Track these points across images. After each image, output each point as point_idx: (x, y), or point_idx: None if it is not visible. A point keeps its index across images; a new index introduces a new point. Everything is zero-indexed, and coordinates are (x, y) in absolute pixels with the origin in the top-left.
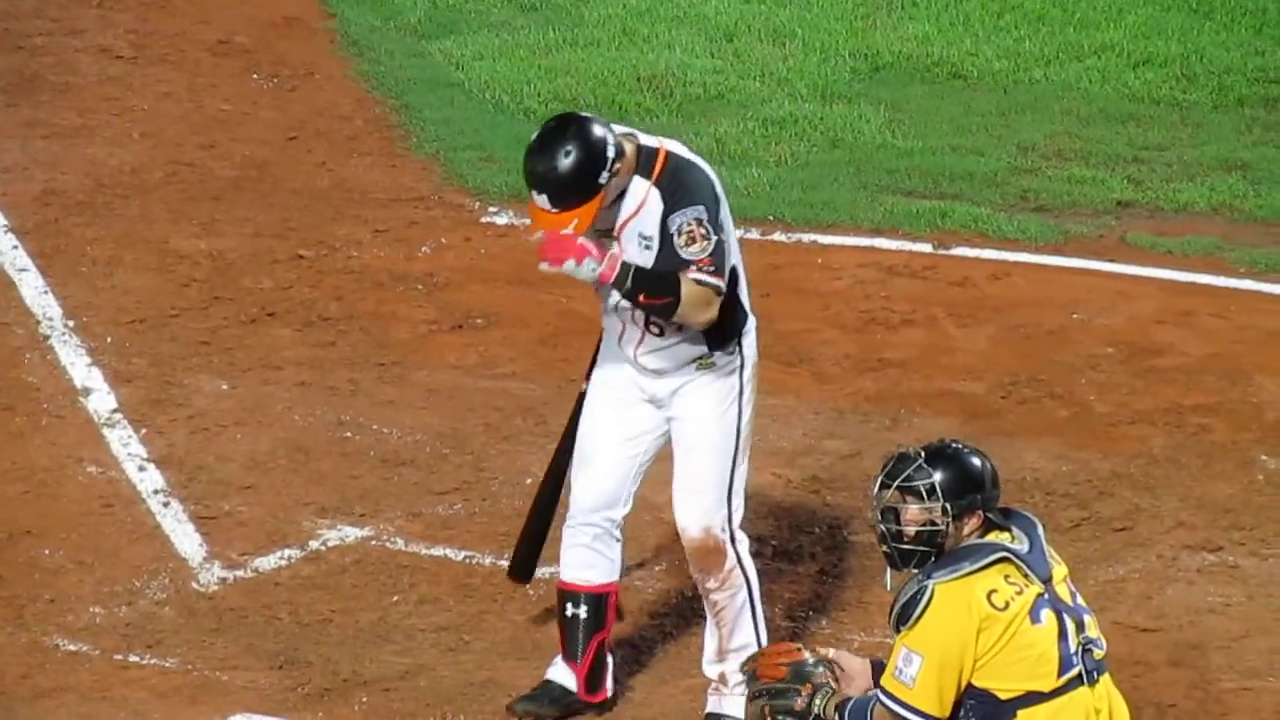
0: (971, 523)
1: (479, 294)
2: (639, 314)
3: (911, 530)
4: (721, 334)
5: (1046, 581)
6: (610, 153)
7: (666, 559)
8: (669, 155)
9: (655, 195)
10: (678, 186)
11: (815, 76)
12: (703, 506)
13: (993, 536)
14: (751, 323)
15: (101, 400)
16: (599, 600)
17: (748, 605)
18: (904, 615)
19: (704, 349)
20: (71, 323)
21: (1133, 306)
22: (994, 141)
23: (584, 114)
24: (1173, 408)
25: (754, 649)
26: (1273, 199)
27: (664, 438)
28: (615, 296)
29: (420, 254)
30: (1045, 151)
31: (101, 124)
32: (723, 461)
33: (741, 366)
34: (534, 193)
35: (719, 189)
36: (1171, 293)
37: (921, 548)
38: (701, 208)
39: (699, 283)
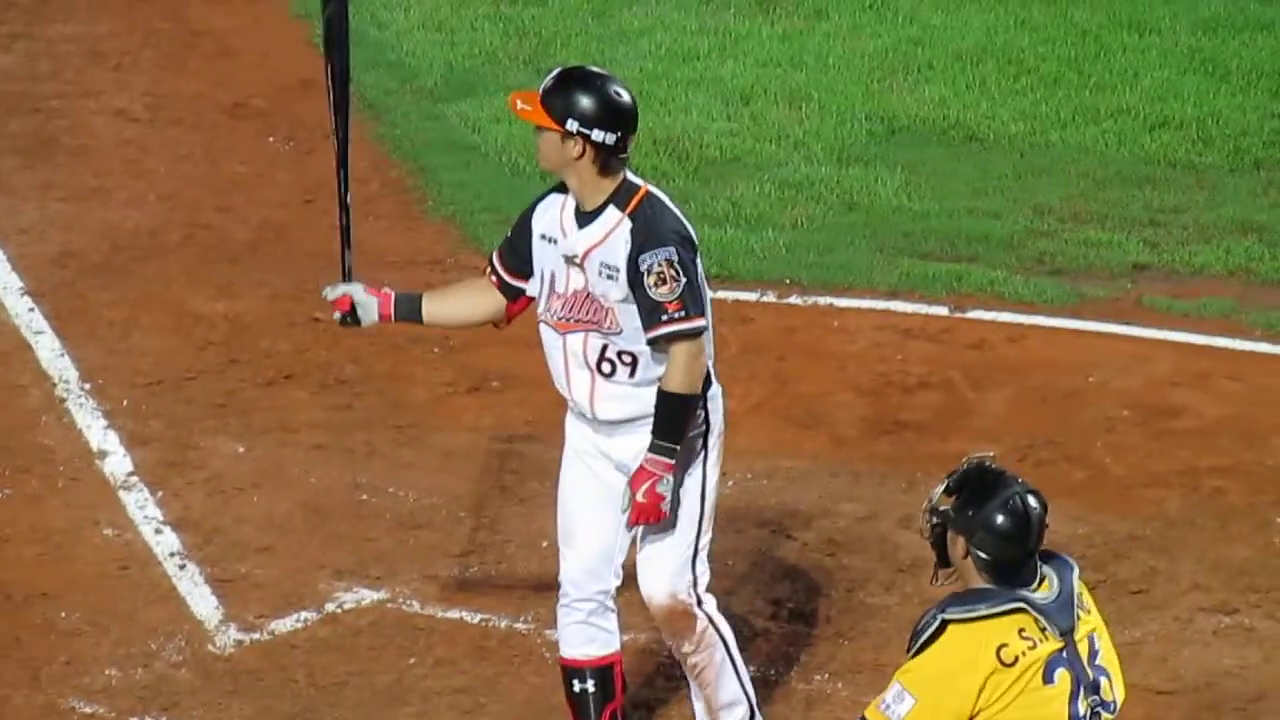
0: (959, 547)
1: (495, 356)
2: (588, 351)
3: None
4: None
5: (1067, 633)
6: (594, 130)
7: None
8: (648, 194)
9: (625, 227)
10: (649, 224)
11: (831, 139)
12: (668, 574)
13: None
14: (717, 389)
15: (118, 462)
16: (605, 672)
17: (727, 661)
18: (913, 642)
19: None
20: (88, 385)
21: (1149, 369)
22: (1010, 204)
23: (628, 96)
24: (1189, 470)
25: (744, 706)
26: None
27: None
28: (551, 335)
29: None
30: (1061, 214)
31: (118, 186)
32: (686, 527)
33: (706, 432)
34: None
35: (693, 237)
36: (1188, 355)
37: (929, 531)
38: (671, 249)
39: (677, 336)
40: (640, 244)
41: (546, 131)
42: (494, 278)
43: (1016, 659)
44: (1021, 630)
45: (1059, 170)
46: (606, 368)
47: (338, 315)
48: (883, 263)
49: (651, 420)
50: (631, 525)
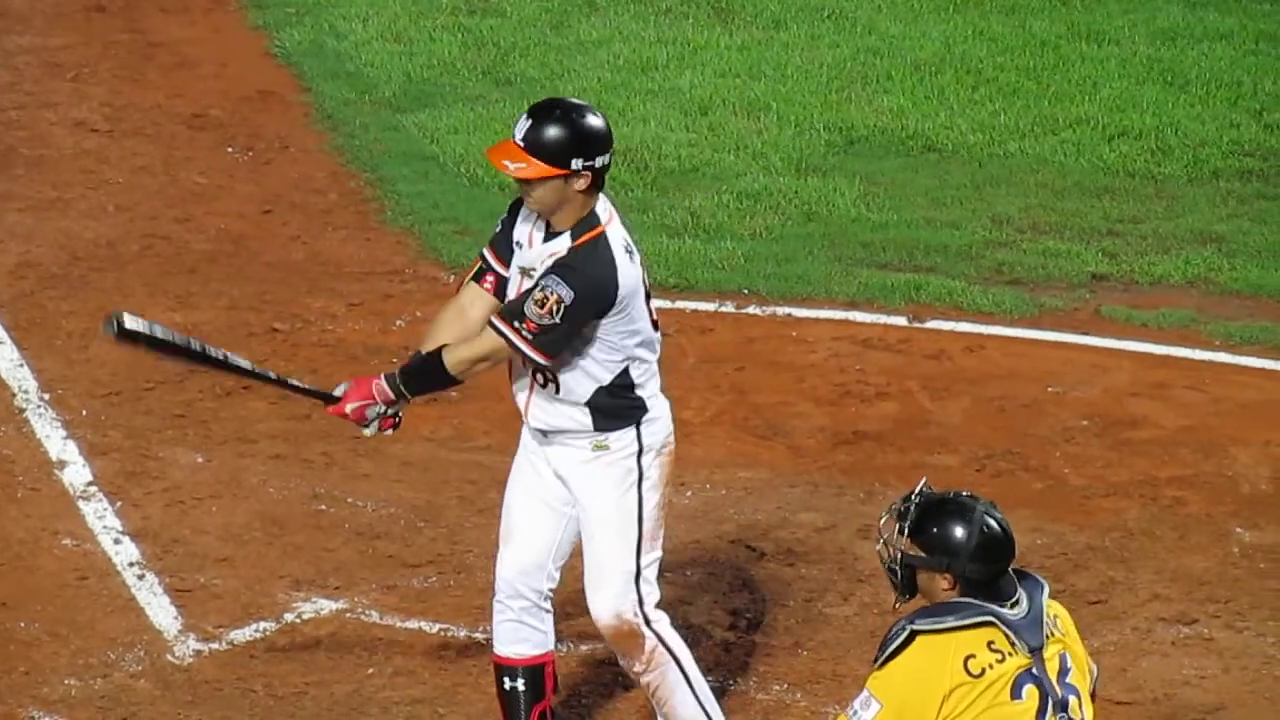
0: (940, 581)
1: None
2: (527, 360)
3: (886, 553)
4: (604, 415)
5: (1036, 650)
6: (596, 159)
7: None
8: (601, 235)
9: (561, 254)
10: (574, 261)
11: (790, 149)
12: (611, 592)
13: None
14: (657, 411)
15: (77, 473)
16: (535, 671)
17: (681, 680)
18: (881, 652)
19: (586, 418)
20: (47, 395)
21: (1107, 379)
22: (969, 214)
23: (595, 113)
24: (1148, 480)
25: None
26: (1247, 271)
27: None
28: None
29: (395, 327)
30: (1020, 224)
31: (77, 197)
32: (625, 547)
33: (639, 453)
34: (520, 121)
35: (611, 295)
36: (1146, 365)
37: (895, 574)
38: (573, 294)
39: (500, 333)
40: (557, 268)
41: (548, 180)
42: (491, 278)
43: (984, 671)
44: (990, 643)
45: (1017, 180)
46: (541, 379)
47: (389, 432)
48: (841, 273)
49: (573, 436)
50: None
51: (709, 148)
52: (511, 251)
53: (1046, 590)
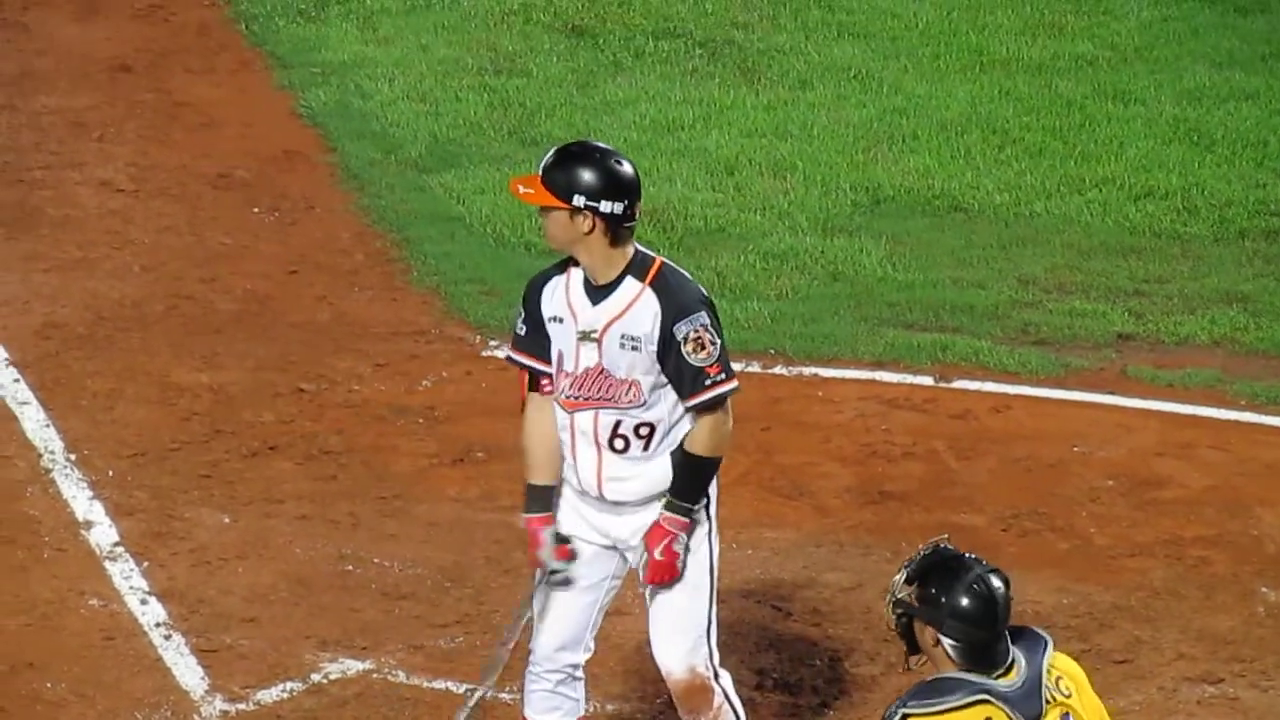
0: (928, 636)
1: (480, 427)
2: (599, 429)
3: (892, 611)
4: None
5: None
6: (602, 202)
7: (667, 693)
8: (664, 264)
9: (650, 297)
10: (676, 293)
11: (816, 209)
12: (686, 646)
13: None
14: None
15: (103, 533)
16: None
17: None
18: None
19: (669, 475)
20: (73, 456)
21: (1133, 439)
22: (995, 274)
23: (628, 165)
24: (1173, 540)
25: None
26: (1273, 331)
27: (620, 582)
28: (559, 413)
29: (421, 387)
30: (1046, 284)
31: (102, 257)
32: (701, 601)
33: (708, 503)
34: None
35: (713, 300)
36: (1172, 425)
37: (900, 634)
38: (704, 314)
39: (708, 405)
40: (674, 314)
41: (553, 211)
42: (545, 383)
43: None
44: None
45: (1043, 240)
46: (619, 444)
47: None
48: (867, 333)
49: (655, 499)
50: (648, 583)
51: (735, 208)
52: (543, 346)
53: (1048, 648)
